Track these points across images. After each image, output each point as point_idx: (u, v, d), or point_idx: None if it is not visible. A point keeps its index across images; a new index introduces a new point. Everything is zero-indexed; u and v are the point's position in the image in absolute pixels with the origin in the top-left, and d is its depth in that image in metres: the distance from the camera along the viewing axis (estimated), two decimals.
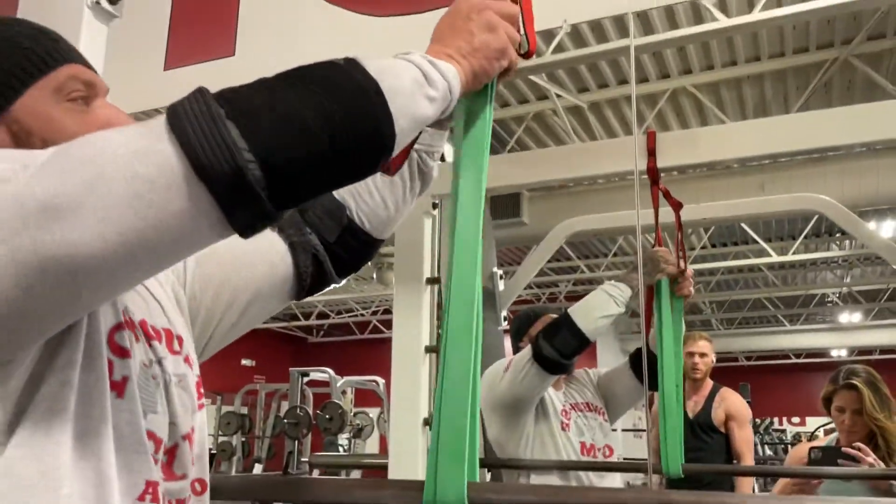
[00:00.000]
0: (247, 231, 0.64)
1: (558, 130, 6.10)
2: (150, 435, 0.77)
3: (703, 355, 3.69)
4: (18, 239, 0.57)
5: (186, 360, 0.88)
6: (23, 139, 0.76)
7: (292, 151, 0.62)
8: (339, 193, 0.97)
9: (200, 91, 0.63)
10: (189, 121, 0.60)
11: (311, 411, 6.84)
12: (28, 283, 0.58)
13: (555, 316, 2.33)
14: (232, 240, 0.68)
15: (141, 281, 0.68)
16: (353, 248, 0.99)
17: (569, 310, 2.17)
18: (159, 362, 0.82)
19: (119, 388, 0.75)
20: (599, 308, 2.15)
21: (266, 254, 0.95)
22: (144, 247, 0.60)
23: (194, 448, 0.85)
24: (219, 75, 1.98)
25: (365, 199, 0.98)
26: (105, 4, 1.22)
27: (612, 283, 2.21)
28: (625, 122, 5.99)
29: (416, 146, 0.97)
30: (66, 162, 0.59)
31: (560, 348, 2.10)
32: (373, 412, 7.92)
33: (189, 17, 2.03)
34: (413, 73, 0.72)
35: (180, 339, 0.88)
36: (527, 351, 2.16)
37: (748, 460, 3.70)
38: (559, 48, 4.43)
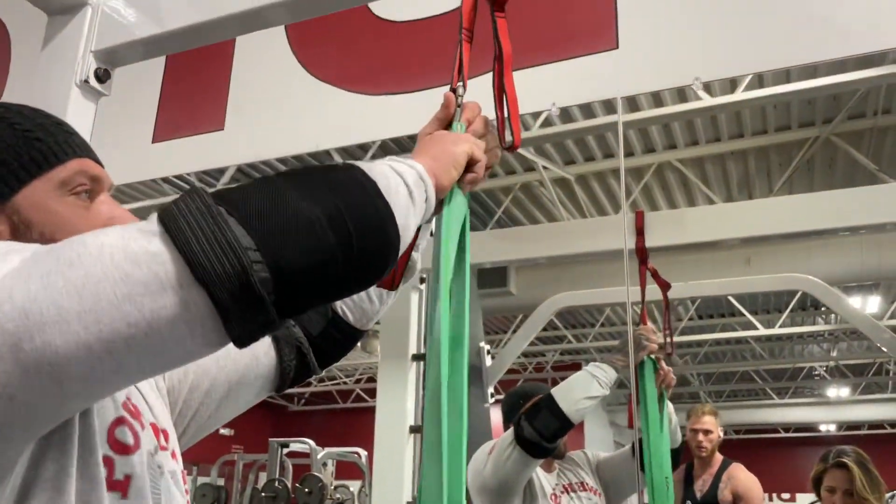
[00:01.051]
0: (244, 341, 0.58)
1: (545, 201, 6.15)
2: None
3: (707, 432, 3.49)
4: None
5: (173, 455, 0.84)
6: (22, 231, 0.74)
7: (301, 249, 0.57)
8: None
9: (195, 190, 0.58)
10: (185, 219, 0.55)
11: (289, 484, 6.63)
12: (9, 392, 0.53)
13: None
14: None
15: (128, 386, 0.63)
16: (337, 340, 0.98)
17: (552, 390, 2.11)
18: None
19: (122, 487, 0.71)
20: (582, 389, 2.09)
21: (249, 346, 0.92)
22: (133, 354, 0.55)
23: None
24: (208, 148, 1.98)
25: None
26: (93, 83, 1.21)
27: (597, 364, 2.16)
28: (611, 194, 6.06)
29: None
30: (50, 262, 0.55)
31: (542, 430, 2.03)
32: (354, 485, 7.69)
33: (179, 91, 2.04)
34: (395, 177, 0.70)
35: (165, 434, 0.84)
36: (509, 433, 2.09)
37: None
38: (546, 123, 4.51)
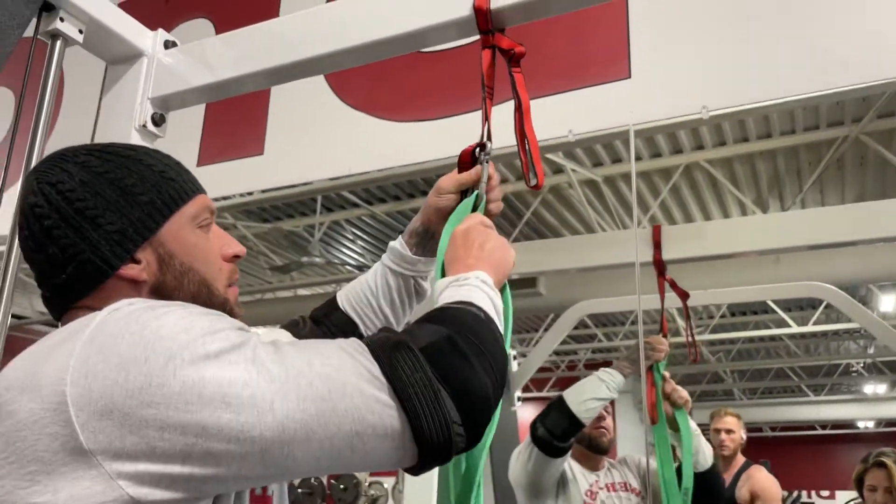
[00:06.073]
0: (418, 475, 0.76)
1: (574, 202, 6.22)
2: None
3: (729, 431, 3.59)
4: (250, 445, 0.65)
5: None
6: (166, 261, 0.84)
7: (485, 419, 0.74)
8: (348, 313, 1.12)
9: (409, 348, 0.72)
10: (414, 390, 0.69)
11: (325, 481, 6.80)
12: (245, 475, 0.68)
13: None
14: None
15: None
16: None
17: (563, 393, 2.27)
18: None
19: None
20: (591, 391, 2.24)
21: None
22: (343, 467, 0.72)
23: None
24: (249, 171, 2.12)
25: (371, 317, 1.12)
26: (151, 127, 1.33)
27: (605, 370, 2.31)
28: (639, 194, 6.09)
29: (412, 271, 1.12)
30: (303, 386, 0.67)
31: (551, 428, 2.17)
32: (388, 481, 7.84)
33: (222, 118, 2.18)
34: (498, 321, 0.83)
35: None
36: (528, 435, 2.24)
37: None
38: None
